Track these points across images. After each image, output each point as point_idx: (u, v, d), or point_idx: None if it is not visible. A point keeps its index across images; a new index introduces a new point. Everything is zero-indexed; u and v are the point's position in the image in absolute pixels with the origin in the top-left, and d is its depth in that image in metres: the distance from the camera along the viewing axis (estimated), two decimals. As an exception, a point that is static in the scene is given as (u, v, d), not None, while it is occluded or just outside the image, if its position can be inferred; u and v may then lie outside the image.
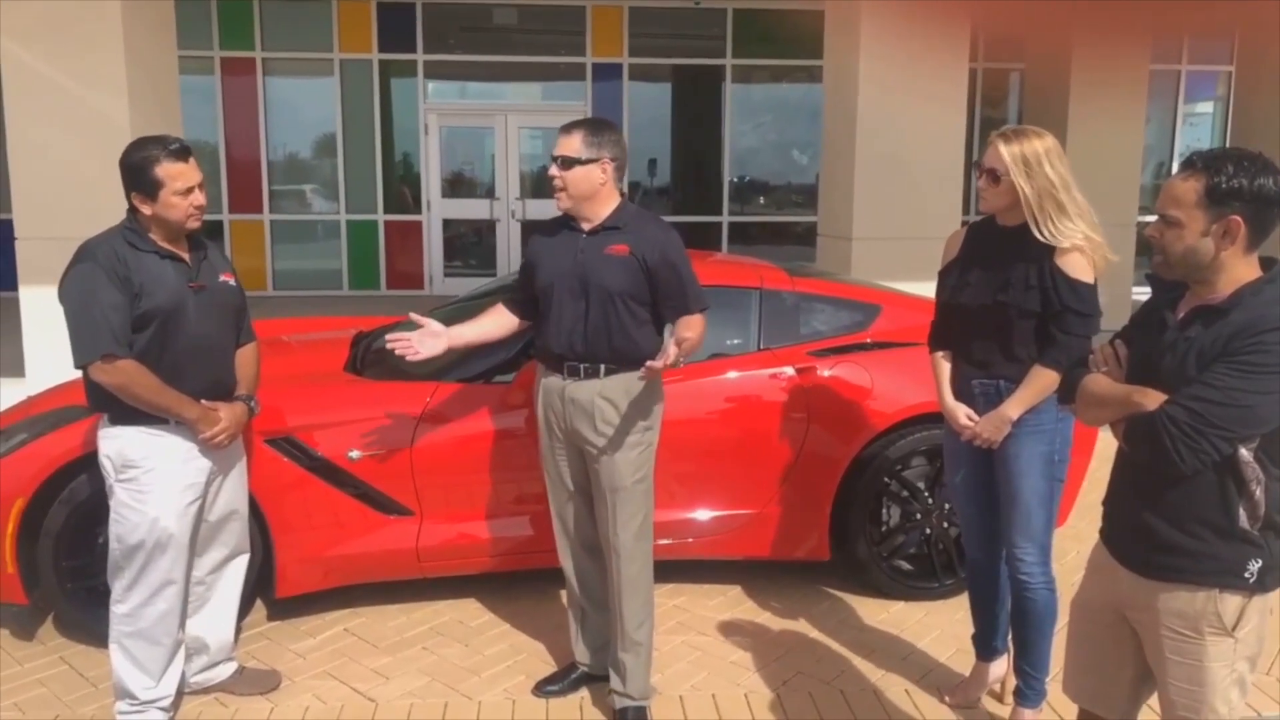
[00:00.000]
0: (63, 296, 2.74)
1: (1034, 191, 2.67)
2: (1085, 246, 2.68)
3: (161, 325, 2.78)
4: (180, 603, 2.94)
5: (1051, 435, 2.80)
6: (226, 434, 2.91)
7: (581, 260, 2.88)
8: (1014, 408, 2.76)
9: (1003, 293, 2.74)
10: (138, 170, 2.76)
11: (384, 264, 11.72)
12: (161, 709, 2.94)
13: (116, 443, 2.82)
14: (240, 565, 3.19)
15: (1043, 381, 2.72)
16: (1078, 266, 2.69)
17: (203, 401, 2.87)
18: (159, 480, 2.82)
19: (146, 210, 2.78)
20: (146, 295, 2.75)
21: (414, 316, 3.09)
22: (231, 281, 3.02)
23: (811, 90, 11.14)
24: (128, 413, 2.79)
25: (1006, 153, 2.69)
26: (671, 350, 2.67)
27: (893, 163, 6.67)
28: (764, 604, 3.89)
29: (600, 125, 2.92)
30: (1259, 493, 1.86)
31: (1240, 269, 1.89)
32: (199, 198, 2.82)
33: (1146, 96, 9.50)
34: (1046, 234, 2.68)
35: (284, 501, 3.46)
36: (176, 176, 2.76)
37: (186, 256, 2.88)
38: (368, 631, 3.64)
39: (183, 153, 2.80)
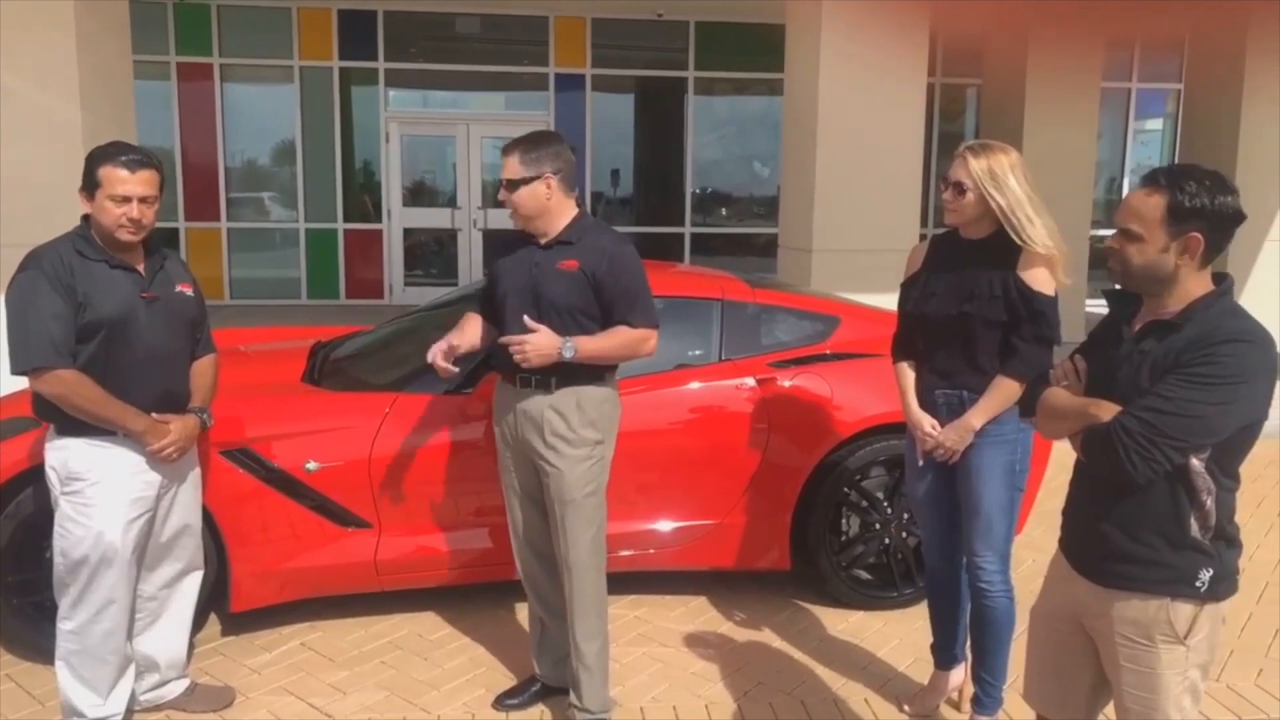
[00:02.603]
0: (5, 304, 2.69)
1: (1006, 202, 2.73)
2: (1050, 256, 2.74)
3: (108, 336, 2.72)
4: (125, 619, 2.87)
5: (1013, 445, 2.85)
6: (176, 447, 2.84)
7: (535, 275, 2.89)
8: (977, 417, 2.80)
9: (968, 303, 2.79)
10: (86, 166, 2.75)
11: (343, 273, 11.60)
12: None
13: (62, 454, 2.77)
14: (194, 581, 3.13)
15: (1005, 391, 2.76)
16: (1039, 279, 2.75)
17: (153, 414, 2.81)
18: (104, 494, 2.76)
19: (85, 208, 2.76)
20: (92, 306, 2.70)
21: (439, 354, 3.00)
22: (189, 292, 2.96)
23: (773, 103, 11.24)
24: (74, 424, 2.73)
25: (975, 166, 2.75)
26: (516, 338, 2.78)
27: (852, 176, 6.75)
28: (725, 614, 3.89)
29: (537, 140, 2.89)
30: (1210, 503, 1.90)
31: (1193, 284, 1.93)
32: (134, 210, 2.73)
33: (1098, 112, 9.71)
34: (1024, 240, 2.73)
35: (239, 514, 3.40)
36: (116, 183, 2.71)
37: (140, 266, 2.83)
38: (325, 646, 3.59)
39: (134, 164, 2.74)
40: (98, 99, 6.11)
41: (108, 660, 2.84)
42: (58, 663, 2.84)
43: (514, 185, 2.86)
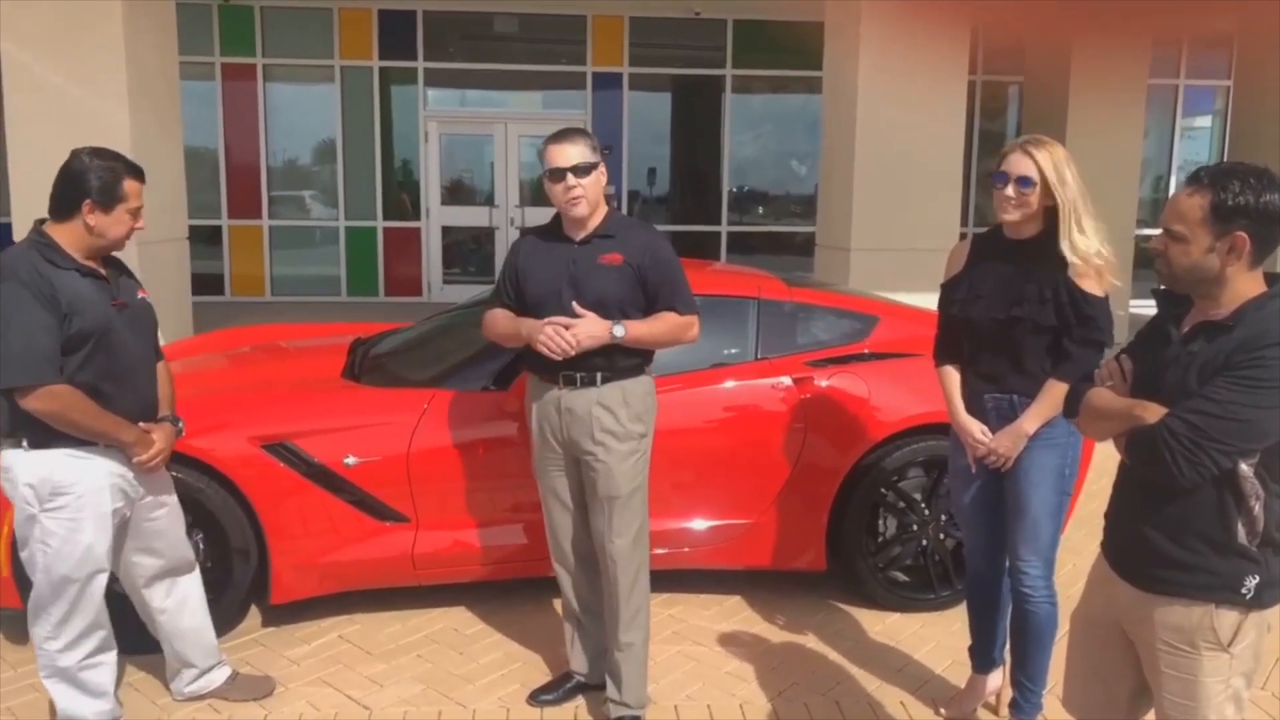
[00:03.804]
0: None
1: (1067, 200, 2.66)
2: (1101, 265, 2.68)
3: (94, 346, 2.63)
4: (108, 620, 2.84)
5: (1064, 449, 2.78)
6: (162, 456, 2.82)
7: (574, 270, 2.88)
8: (1030, 422, 2.74)
9: (1018, 307, 2.72)
10: (101, 178, 2.65)
11: (383, 270, 11.72)
12: None
13: (41, 469, 2.64)
14: (195, 579, 3.10)
15: (1057, 395, 2.67)
16: (1089, 281, 2.69)
17: (140, 424, 2.77)
18: (90, 505, 2.69)
19: (92, 221, 2.64)
20: (77, 315, 2.59)
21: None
22: (147, 298, 2.91)
23: (811, 101, 11.18)
24: (52, 436, 2.62)
25: (1042, 159, 2.66)
26: (562, 320, 2.76)
27: (891, 174, 6.70)
28: (760, 614, 3.88)
29: (587, 130, 2.95)
30: (1258, 509, 1.86)
31: (1244, 284, 1.89)
32: (141, 220, 2.75)
33: (1145, 110, 9.54)
34: (1068, 245, 2.66)
35: (280, 507, 3.45)
36: (135, 195, 2.70)
37: (105, 273, 2.75)
38: (362, 638, 3.63)
39: (141, 173, 2.74)
40: (145, 100, 6.23)
41: (103, 663, 2.84)
42: (48, 680, 2.79)
43: (586, 170, 2.84)
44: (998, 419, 2.82)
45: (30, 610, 2.77)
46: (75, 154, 2.69)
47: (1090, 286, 2.69)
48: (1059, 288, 2.69)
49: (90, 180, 2.65)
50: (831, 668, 3.47)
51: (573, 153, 2.84)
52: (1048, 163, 2.66)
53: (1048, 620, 2.87)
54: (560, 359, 2.80)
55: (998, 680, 3.14)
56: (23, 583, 3.30)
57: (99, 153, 2.71)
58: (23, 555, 2.75)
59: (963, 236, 3.01)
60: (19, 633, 3.56)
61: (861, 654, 3.57)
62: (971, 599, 3.13)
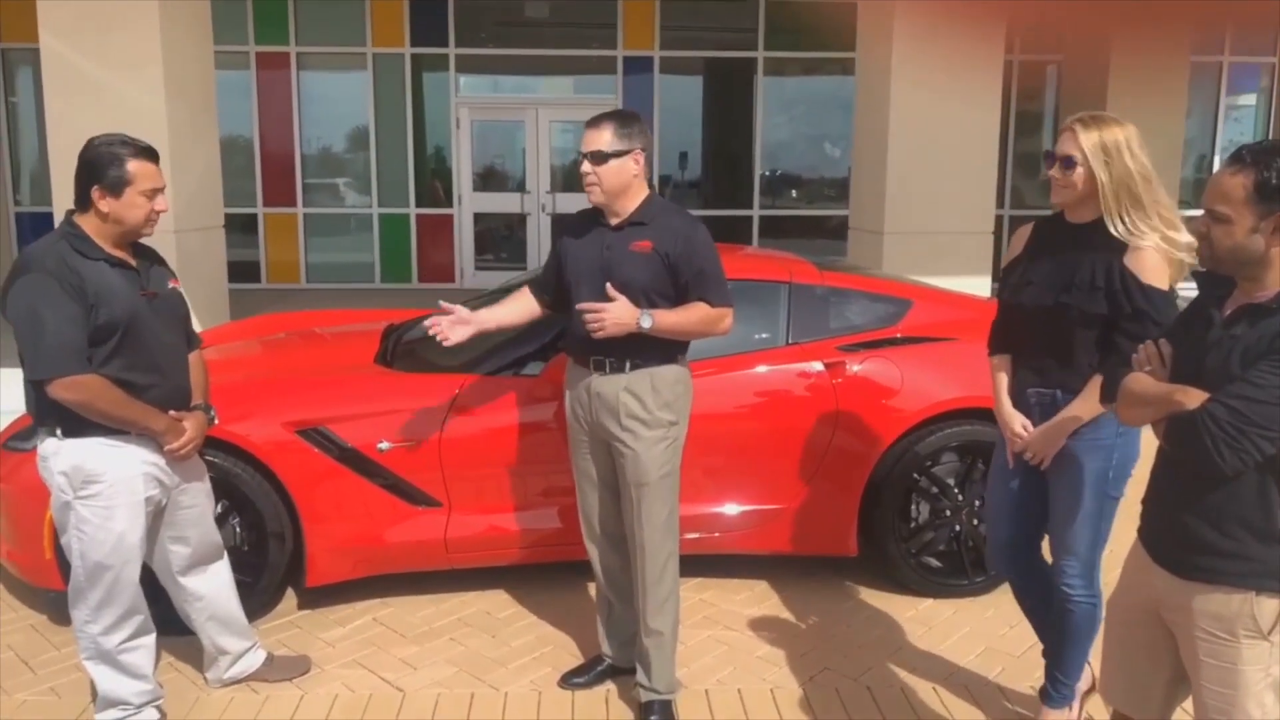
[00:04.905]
0: (12, 310, 2.58)
1: (1111, 182, 2.52)
2: (1161, 248, 2.52)
3: (122, 336, 2.64)
4: (144, 603, 2.88)
5: (1109, 451, 2.63)
6: (194, 444, 2.83)
7: (607, 256, 2.88)
8: (1069, 416, 2.60)
9: (1065, 294, 2.58)
10: (106, 163, 2.65)
11: (416, 257, 11.79)
12: (157, 707, 2.94)
13: (73, 457, 2.67)
14: (224, 565, 3.13)
15: None
16: (1151, 269, 2.50)
17: (170, 412, 2.79)
18: (123, 493, 2.71)
19: (104, 208, 2.65)
20: (104, 306, 2.60)
21: (443, 304, 3.08)
22: (179, 287, 2.92)
23: (844, 83, 11.05)
24: (85, 424, 2.64)
25: (1085, 139, 2.54)
26: (593, 305, 2.76)
27: (926, 156, 6.62)
28: (791, 599, 3.87)
29: (629, 116, 2.89)
30: None
31: None
32: (162, 203, 2.73)
33: (1187, 89, 9.34)
34: (1121, 229, 2.53)
35: (314, 492, 3.49)
36: (145, 176, 2.68)
37: (134, 263, 2.76)
38: (396, 621, 3.67)
39: (151, 154, 2.73)
40: (181, 89, 6.30)
41: (142, 646, 2.89)
42: (88, 662, 2.84)
43: (603, 158, 2.83)
44: (1041, 415, 2.69)
45: (70, 594, 2.83)
46: (88, 142, 2.70)
47: (1151, 276, 2.51)
48: (1113, 274, 2.53)
49: (96, 166, 2.65)
50: (863, 653, 3.46)
51: (594, 138, 2.83)
52: (1093, 142, 2.53)
53: (1085, 619, 2.75)
54: (596, 336, 2.79)
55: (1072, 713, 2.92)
56: (65, 566, 3.38)
57: (107, 139, 2.71)
58: (61, 541, 2.81)
59: (1004, 220, 2.95)
60: (62, 614, 3.64)
61: (893, 640, 3.55)
62: (1022, 607, 2.98)
